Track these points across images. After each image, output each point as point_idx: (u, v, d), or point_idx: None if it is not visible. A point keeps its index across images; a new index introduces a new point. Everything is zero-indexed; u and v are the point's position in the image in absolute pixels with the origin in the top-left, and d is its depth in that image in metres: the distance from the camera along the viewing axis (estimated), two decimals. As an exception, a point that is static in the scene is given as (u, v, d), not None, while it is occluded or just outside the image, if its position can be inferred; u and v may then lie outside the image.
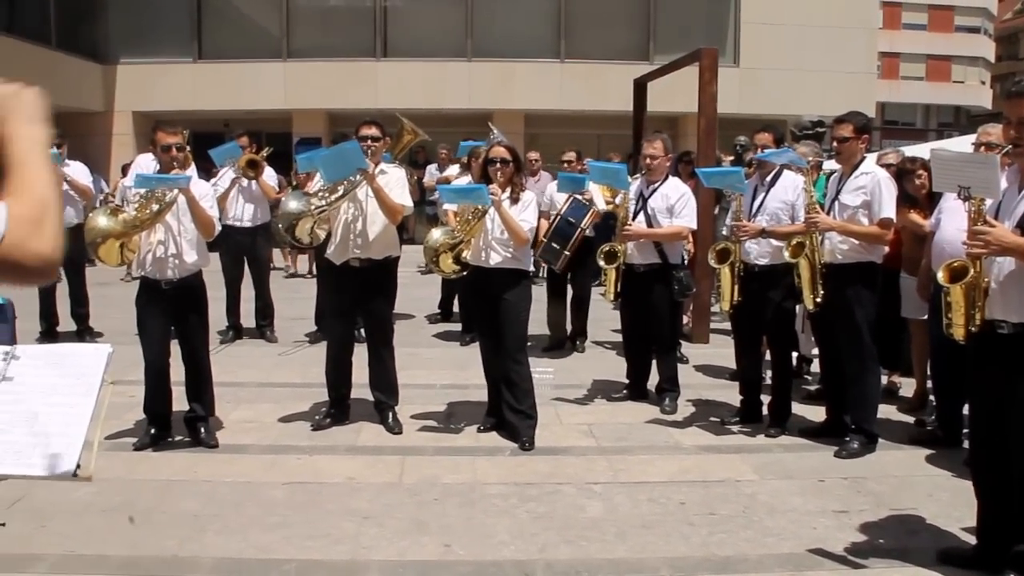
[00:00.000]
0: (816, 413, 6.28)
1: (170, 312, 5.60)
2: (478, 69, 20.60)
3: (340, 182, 5.69)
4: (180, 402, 5.81)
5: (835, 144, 5.77)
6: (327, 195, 5.68)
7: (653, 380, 6.92)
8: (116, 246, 5.34)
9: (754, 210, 6.08)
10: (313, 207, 5.64)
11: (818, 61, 20.70)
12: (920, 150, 17.11)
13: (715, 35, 21.00)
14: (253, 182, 9.00)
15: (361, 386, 6.30)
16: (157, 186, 5.36)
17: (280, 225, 5.75)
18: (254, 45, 21.01)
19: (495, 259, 5.74)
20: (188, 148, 5.65)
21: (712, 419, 6.39)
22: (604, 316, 9.31)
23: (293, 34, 21.17)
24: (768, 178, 6.14)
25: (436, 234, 5.90)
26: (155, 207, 5.34)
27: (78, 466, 2.51)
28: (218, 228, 5.65)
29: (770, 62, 20.56)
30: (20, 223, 1.44)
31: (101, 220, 5.31)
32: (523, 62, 20.66)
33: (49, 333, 8.72)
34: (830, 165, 8.15)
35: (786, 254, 5.73)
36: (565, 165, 9.25)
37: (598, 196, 7.75)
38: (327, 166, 5.69)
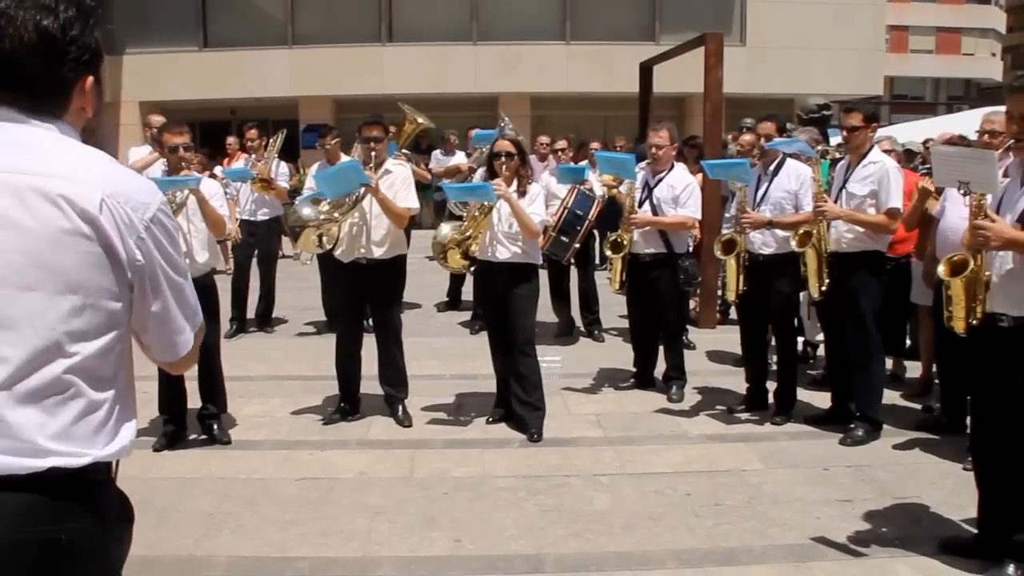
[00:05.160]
0: (822, 399, 6.33)
1: None
2: (484, 52, 20.58)
3: (345, 197, 5.76)
4: (192, 398, 5.89)
5: (844, 133, 5.79)
6: (333, 211, 5.75)
7: (660, 368, 6.99)
8: None
9: (758, 199, 6.11)
10: (321, 218, 5.71)
11: (825, 39, 20.61)
12: (928, 125, 17.05)
13: (721, 14, 20.96)
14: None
15: (371, 378, 6.36)
16: (167, 188, 5.41)
17: (288, 227, 5.84)
18: (259, 32, 21.06)
19: (503, 254, 5.79)
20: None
21: (719, 407, 6.45)
22: (610, 302, 9.33)
23: (298, 20, 21.18)
24: (771, 167, 6.16)
25: (444, 229, 5.94)
26: (167, 207, 5.40)
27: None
28: (229, 227, 5.70)
29: (777, 40, 20.47)
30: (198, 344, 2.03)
31: None
32: (529, 44, 20.62)
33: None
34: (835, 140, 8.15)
35: (793, 243, 5.75)
36: (558, 154, 9.25)
37: (597, 184, 7.79)
38: (329, 185, 5.76)
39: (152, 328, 1.88)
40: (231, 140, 12.20)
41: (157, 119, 8.79)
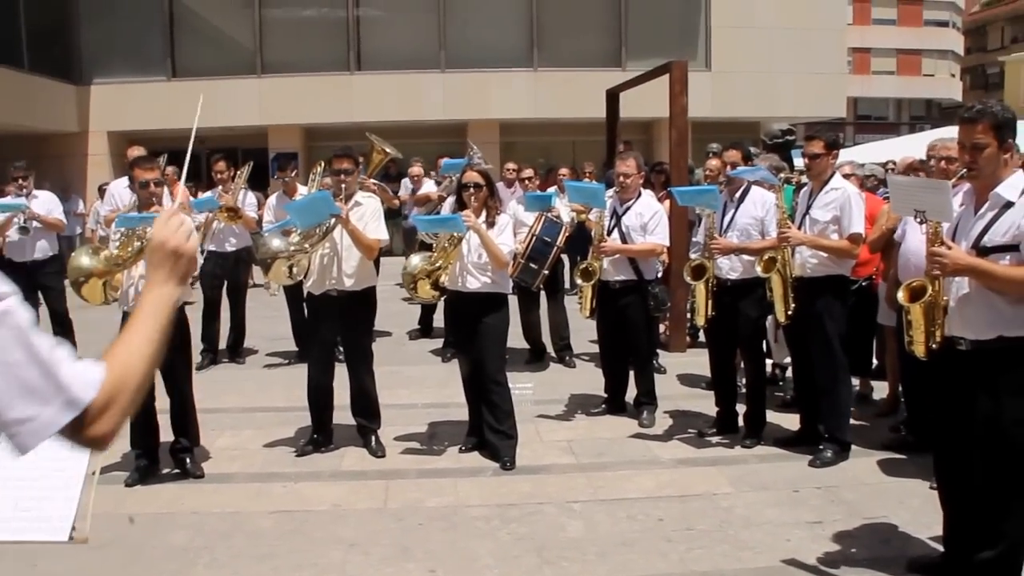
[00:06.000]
0: (791, 421, 6.41)
1: None
2: (452, 80, 20.68)
3: (315, 227, 5.79)
4: (164, 431, 5.87)
5: (806, 160, 5.91)
6: (304, 242, 5.78)
7: (632, 392, 7.04)
8: (99, 284, 5.40)
9: (724, 226, 6.21)
10: (292, 249, 5.74)
11: (789, 63, 20.91)
12: (892, 145, 17.33)
13: (686, 40, 21.22)
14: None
15: (343, 408, 6.37)
16: (139, 225, 5.43)
17: (259, 258, 5.88)
18: (228, 61, 20.99)
19: (473, 284, 5.85)
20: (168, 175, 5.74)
21: (690, 431, 6.51)
22: (581, 326, 9.35)
23: (266, 49, 21.18)
24: (737, 195, 6.27)
25: (415, 260, 5.99)
26: (137, 244, 5.40)
27: (73, 528, 2.58)
28: (200, 261, 5.73)
29: (741, 65, 20.74)
30: (105, 398, 1.57)
31: (84, 260, 5.37)
32: (496, 71, 20.75)
33: None
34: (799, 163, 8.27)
35: (758, 269, 5.86)
36: (525, 183, 9.36)
37: (564, 211, 7.87)
38: (300, 215, 5.80)
39: None
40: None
41: (137, 151, 8.76)
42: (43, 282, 8.82)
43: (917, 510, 4.91)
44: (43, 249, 8.78)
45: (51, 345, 1.56)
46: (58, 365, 1.55)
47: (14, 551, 4.51)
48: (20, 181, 8.68)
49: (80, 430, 1.57)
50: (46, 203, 8.81)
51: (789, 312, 5.85)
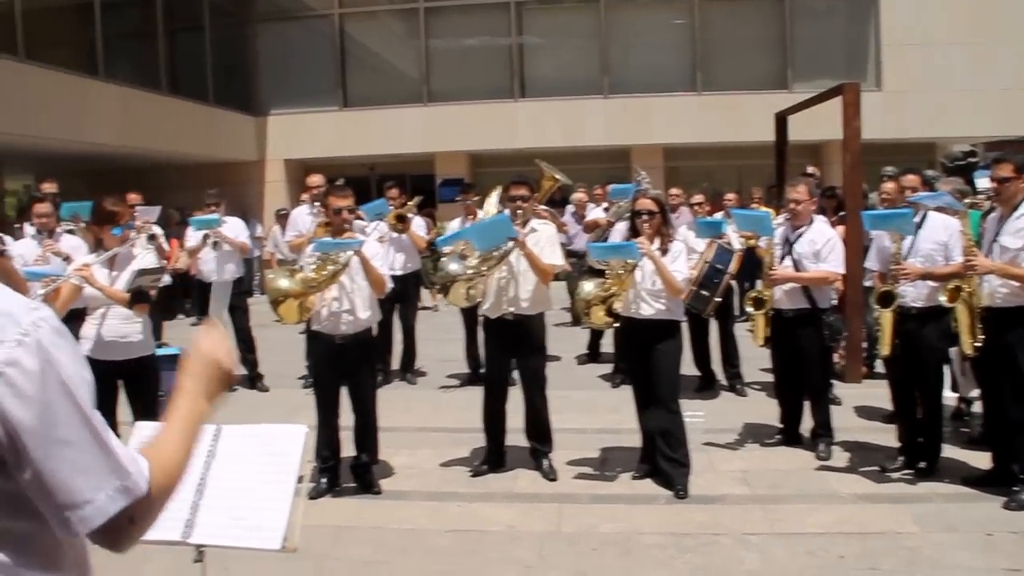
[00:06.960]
0: (979, 459, 6.09)
1: (342, 365, 5.93)
2: (615, 105, 20.73)
3: (493, 249, 5.95)
4: (345, 446, 6.13)
5: (995, 184, 5.64)
6: (480, 264, 5.95)
7: (807, 423, 6.87)
8: (295, 305, 5.72)
9: (905, 252, 5.97)
10: (469, 271, 5.91)
11: (967, 79, 19.91)
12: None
13: (855, 59, 20.58)
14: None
15: (514, 431, 6.49)
16: (333, 250, 5.74)
17: (435, 284, 6.09)
18: (395, 91, 21.77)
19: (647, 311, 5.86)
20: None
21: (869, 465, 6.27)
22: (751, 354, 9.20)
23: (432, 78, 21.82)
24: (916, 219, 6.03)
25: (588, 286, 6.04)
26: (331, 268, 5.71)
27: (285, 538, 2.76)
28: (390, 285, 5.98)
29: (915, 84, 19.90)
30: (155, 493, 1.50)
31: (283, 282, 5.71)
32: (659, 96, 20.65)
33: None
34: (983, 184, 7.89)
35: (943, 299, 5.62)
36: (694, 208, 9.33)
37: (734, 237, 7.78)
38: (479, 237, 5.97)
39: (35, 500, 1.41)
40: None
41: (316, 179, 9.29)
42: (231, 302, 9.38)
43: None
44: (231, 271, 9.38)
45: (102, 423, 1.46)
46: (114, 448, 1.45)
47: (211, 555, 4.79)
48: (213, 208, 9.30)
49: (121, 523, 1.45)
50: (234, 228, 9.43)
51: (976, 344, 5.59)
